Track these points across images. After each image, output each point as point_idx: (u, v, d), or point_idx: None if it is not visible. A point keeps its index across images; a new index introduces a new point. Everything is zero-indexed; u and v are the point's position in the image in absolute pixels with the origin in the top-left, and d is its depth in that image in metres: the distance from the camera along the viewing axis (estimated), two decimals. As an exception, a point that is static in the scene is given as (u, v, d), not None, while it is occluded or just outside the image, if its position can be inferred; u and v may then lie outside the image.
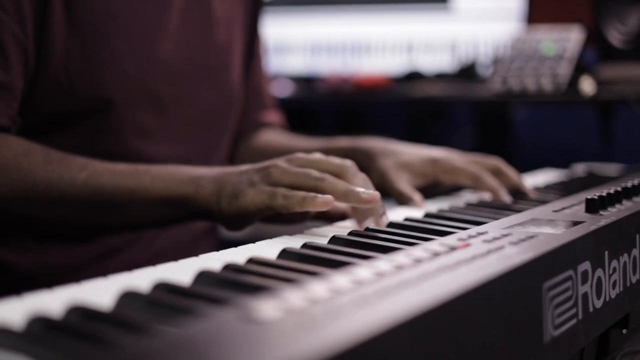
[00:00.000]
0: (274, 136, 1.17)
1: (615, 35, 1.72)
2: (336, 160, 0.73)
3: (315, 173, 0.71)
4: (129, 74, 0.91)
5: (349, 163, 0.73)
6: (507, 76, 1.73)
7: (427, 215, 0.75)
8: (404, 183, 0.91)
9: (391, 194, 0.91)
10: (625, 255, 0.66)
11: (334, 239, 0.62)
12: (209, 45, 1.02)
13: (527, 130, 2.19)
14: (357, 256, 0.56)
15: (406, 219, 0.72)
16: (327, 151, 1.02)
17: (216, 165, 1.03)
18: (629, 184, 0.77)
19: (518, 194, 0.91)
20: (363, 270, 0.44)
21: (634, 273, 0.68)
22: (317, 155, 0.75)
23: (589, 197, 0.69)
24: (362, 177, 0.73)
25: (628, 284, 0.66)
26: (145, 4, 0.93)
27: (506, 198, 0.87)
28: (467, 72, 1.90)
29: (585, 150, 2.07)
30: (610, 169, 1.17)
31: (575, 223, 0.62)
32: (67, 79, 0.87)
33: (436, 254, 0.49)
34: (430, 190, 0.98)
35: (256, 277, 0.49)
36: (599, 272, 0.60)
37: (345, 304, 0.38)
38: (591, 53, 1.81)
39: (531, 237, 0.55)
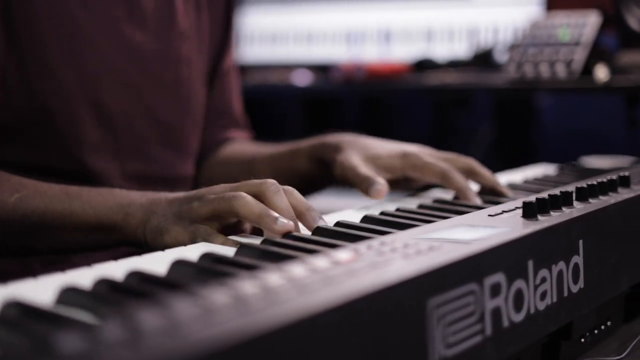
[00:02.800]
0: (238, 147, 1.13)
1: (635, 22, 1.65)
2: (255, 181, 0.69)
3: (229, 194, 0.67)
4: (71, 84, 0.88)
5: (270, 181, 0.69)
6: (522, 62, 1.67)
7: (365, 218, 0.72)
8: (367, 168, 0.86)
9: (354, 182, 0.85)
10: (562, 263, 0.62)
11: (243, 248, 0.60)
12: (168, 58, 0.99)
13: (552, 118, 2.12)
14: (251, 268, 0.53)
15: (337, 224, 0.69)
16: (293, 153, 0.99)
17: (179, 187, 1.00)
18: (585, 184, 0.73)
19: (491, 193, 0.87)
20: (219, 294, 0.41)
21: (575, 282, 0.64)
22: (240, 183, 0.71)
23: (526, 200, 0.65)
24: (282, 198, 0.68)
25: (566, 294, 0.62)
26: (93, 15, 0.91)
27: (474, 199, 0.83)
28: (483, 59, 1.85)
29: (612, 138, 2.01)
30: (618, 161, 1.11)
31: (497, 230, 0.58)
32: (2, 88, 0.85)
33: (315, 271, 0.46)
34: (401, 187, 0.94)
35: (118, 295, 0.47)
36: (519, 283, 0.56)
37: (156, 337, 0.36)
38: (611, 39, 1.75)
39: (433, 248, 0.52)
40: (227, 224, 0.69)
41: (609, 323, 0.76)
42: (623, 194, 0.75)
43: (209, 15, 1.08)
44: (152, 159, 0.98)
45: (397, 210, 0.76)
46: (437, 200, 0.82)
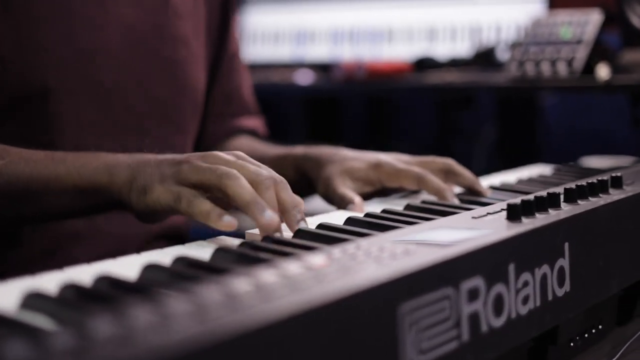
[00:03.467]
0: (242, 143, 1.13)
1: (638, 20, 1.63)
2: (251, 167, 0.68)
3: (223, 169, 0.66)
4: (66, 61, 0.88)
5: (265, 174, 0.68)
6: (523, 61, 1.66)
7: (349, 220, 0.71)
8: (345, 187, 0.86)
9: (334, 200, 0.87)
10: (546, 266, 0.61)
11: (219, 251, 0.59)
12: (163, 36, 0.99)
13: (556, 117, 2.11)
14: (225, 273, 0.52)
15: (319, 226, 0.68)
16: (281, 160, 0.99)
17: None
18: (574, 185, 0.72)
19: (473, 193, 0.86)
20: (179, 301, 0.40)
21: (561, 285, 0.63)
22: (237, 155, 0.70)
23: (511, 202, 0.64)
24: (272, 195, 0.67)
25: (550, 298, 0.61)
26: None
27: (452, 199, 0.82)
28: (484, 58, 1.83)
29: (617, 137, 1.99)
30: (619, 161, 1.10)
31: (477, 233, 0.57)
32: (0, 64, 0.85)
33: (284, 277, 0.45)
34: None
35: (81, 301, 0.46)
36: (499, 287, 0.55)
37: (106, 346, 0.35)
38: (615, 37, 1.73)
39: (408, 251, 0.51)
40: (213, 197, 0.68)
41: (600, 326, 0.75)
42: (614, 195, 0.74)
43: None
44: (149, 135, 0.98)
45: (383, 211, 0.75)
46: (424, 201, 0.81)
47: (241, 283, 0.43)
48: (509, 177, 1.01)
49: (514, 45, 1.75)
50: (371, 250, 0.51)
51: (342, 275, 0.45)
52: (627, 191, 0.76)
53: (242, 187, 0.65)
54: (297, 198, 0.69)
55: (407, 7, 2.11)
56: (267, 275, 0.45)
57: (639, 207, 0.77)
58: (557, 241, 0.62)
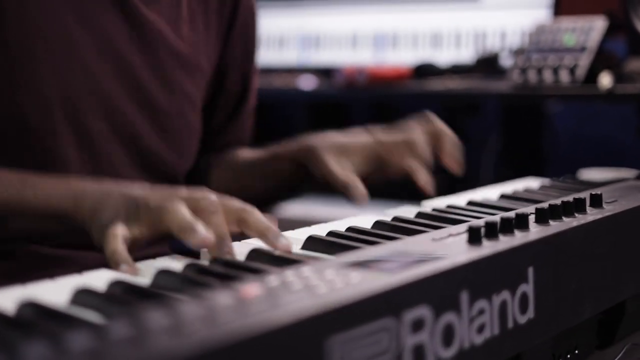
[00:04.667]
0: (236, 154, 1.11)
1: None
2: (197, 195, 0.67)
3: (176, 215, 0.65)
4: (52, 102, 0.86)
5: (212, 199, 0.67)
6: (526, 68, 1.63)
7: (309, 239, 0.68)
8: (343, 171, 0.88)
9: (336, 188, 0.88)
10: (506, 293, 0.58)
11: (161, 274, 0.56)
12: (164, 88, 0.96)
13: (563, 126, 2.07)
14: (162, 299, 0.50)
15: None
16: (274, 158, 1.01)
17: None
18: (546, 205, 0.69)
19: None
20: (81, 336, 0.38)
21: (523, 312, 0.60)
22: (180, 190, 0.69)
23: (473, 224, 0.61)
24: (218, 218, 0.66)
25: (510, 326, 0.58)
26: (90, 35, 0.88)
27: (424, 178, 0.91)
28: (487, 64, 1.80)
29: (626, 147, 1.95)
30: (621, 174, 1.06)
31: (428, 258, 0.54)
32: None
33: (207, 308, 0.43)
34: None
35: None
36: (449, 316, 0.52)
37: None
38: (621, 45, 1.69)
39: (347, 280, 0.48)
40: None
41: (576, 351, 0.72)
42: (590, 215, 0.71)
43: (219, 47, 1.06)
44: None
45: (347, 229, 0.72)
46: (395, 218, 0.78)
47: (156, 316, 0.41)
48: (491, 192, 0.97)
49: (517, 52, 1.72)
50: (310, 277, 0.49)
51: (267, 307, 0.43)
52: (606, 210, 0.73)
53: (178, 216, 0.65)
54: (268, 222, 0.68)
55: (412, 12, 2.08)
56: (188, 307, 0.43)
57: (618, 228, 0.74)
58: (519, 266, 0.60)
